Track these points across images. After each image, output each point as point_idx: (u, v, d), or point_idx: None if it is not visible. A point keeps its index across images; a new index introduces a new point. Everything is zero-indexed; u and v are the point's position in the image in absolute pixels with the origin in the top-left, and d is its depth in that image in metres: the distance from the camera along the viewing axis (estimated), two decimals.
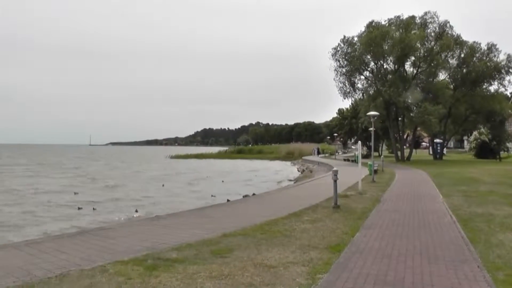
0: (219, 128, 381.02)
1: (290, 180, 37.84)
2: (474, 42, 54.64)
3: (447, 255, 7.62)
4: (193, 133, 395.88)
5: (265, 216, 11.56)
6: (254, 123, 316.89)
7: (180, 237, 8.94)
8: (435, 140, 62.76)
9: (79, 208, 20.38)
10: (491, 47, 54.16)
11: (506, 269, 6.77)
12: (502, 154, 62.00)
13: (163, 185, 32.54)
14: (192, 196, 26.37)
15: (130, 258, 7.20)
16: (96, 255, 7.54)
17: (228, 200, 20.10)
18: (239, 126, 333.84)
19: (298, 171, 53.09)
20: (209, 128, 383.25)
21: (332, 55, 52.33)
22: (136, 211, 19.27)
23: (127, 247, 8.12)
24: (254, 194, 23.23)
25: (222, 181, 37.38)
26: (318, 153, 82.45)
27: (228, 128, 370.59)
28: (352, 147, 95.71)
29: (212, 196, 25.25)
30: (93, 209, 20.43)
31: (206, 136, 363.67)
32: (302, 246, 8.16)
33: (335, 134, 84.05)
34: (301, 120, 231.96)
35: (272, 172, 50.97)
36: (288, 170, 57.27)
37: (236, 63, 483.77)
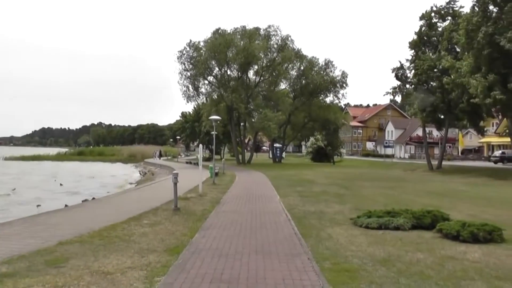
0: (59, 127, 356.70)
1: (131, 183, 36.99)
2: (313, 56, 60.10)
3: (281, 250, 8.12)
4: (31, 132, 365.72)
5: (104, 221, 11.19)
6: (96, 123, 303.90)
7: (11, 249, 8.11)
8: (274, 145, 66.13)
9: None
10: (328, 63, 59.68)
11: (332, 258, 7.51)
12: (336, 158, 67.71)
13: None
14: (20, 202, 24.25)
15: None
16: None
17: (66, 206, 19.02)
18: (80, 126, 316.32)
19: (140, 174, 52.19)
20: (48, 127, 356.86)
21: (178, 58, 52.63)
22: None
23: None
24: (93, 198, 22.28)
25: (61, 185, 35.28)
26: (160, 155, 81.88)
27: (68, 128, 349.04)
28: (195, 150, 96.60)
29: (37, 206, 21.15)
30: None
31: (44, 136, 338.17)
32: (141, 250, 8.06)
33: (178, 137, 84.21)
34: (144, 121, 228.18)
35: (113, 175, 49.24)
36: (129, 173, 55.93)
37: (80, 60, 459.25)
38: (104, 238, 9.09)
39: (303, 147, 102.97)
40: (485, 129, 47.26)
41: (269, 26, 54.74)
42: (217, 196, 17.83)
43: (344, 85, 59.49)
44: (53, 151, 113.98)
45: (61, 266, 6.92)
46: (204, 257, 7.48)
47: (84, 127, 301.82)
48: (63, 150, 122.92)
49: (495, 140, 64.78)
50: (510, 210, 14.48)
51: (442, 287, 6.04)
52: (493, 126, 64.05)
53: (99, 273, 6.50)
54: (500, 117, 42.83)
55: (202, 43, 52.57)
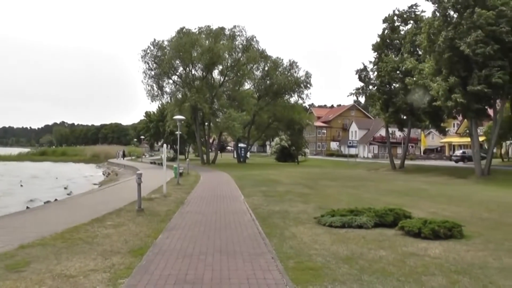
0: (20, 126, 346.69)
1: (95, 184, 36.43)
2: (277, 57, 60.45)
3: (245, 250, 8.18)
4: None
5: (67, 223, 11.01)
6: (59, 122, 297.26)
7: None
8: (239, 145, 66.27)
9: None
10: (292, 64, 60.25)
11: (296, 257, 7.63)
12: (300, 158, 68.27)
13: None
14: None
15: None
16: None
17: (27, 207, 18.62)
18: (43, 126, 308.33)
19: (104, 174, 51.50)
20: (9, 127, 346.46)
21: (142, 57, 52.19)
22: None
23: None
24: (56, 199, 21.87)
25: (21, 186, 34.47)
26: (124, 156, 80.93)
27: (30, 127, 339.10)
28: (159, 150, 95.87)
29: None
30: None
31: (5, 136, 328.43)
32: (104, 252, 7.99)
33: (142, 137, 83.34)
34: (108, 121, 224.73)
35: (76, 176, 48.45)
36: (93, 173, 55.06)
37: (42, 58, 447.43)
38: (67, 240, 8.95)
39: (268, 147, 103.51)
40: (447, 129, 48.56)
41: (234, 27, 54.86)
42: (181, 197, 17.78)
43: (308, 85, 60.19)
44: (14, 151, 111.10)
45: (22, 270, 6.77)
46: (168, 258, 7.48)
47: (47, 126, 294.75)
48: (25, 150, 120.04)
49: (456, 140, 66.55)
50: (470, 207, 14.96)
51: (403, 283, 6.20)
52: (454, 126, 65.84)
53: (62, 277, 6.41)
54: (460, 118, 44.02)
55: (166, 42, 52.27)
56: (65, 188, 32.96)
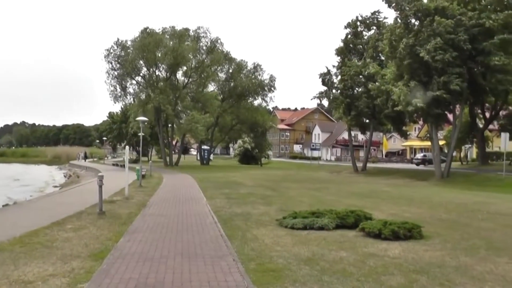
0: None
1: (56, 186, 35.75)
2: (242, 60, 60.83)
3: (206, 252, 8.17)
4: None
5: (26, 226, 10.73)
6: (19, 122, 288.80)
7: None
8: (202, 147, 66.02)
9: None
10: (257, 66, 60.68)
11: (257, 259, 7.67)
12: (263, 160, 68.55)
13: None
14: None
15: None
16: None
17: None
18: (2, 126, 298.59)
19: (65, 176, 50.66)
20: None
21: (105, 57, 51.54)
22: None
23: None
24: (15, 203, 21.30)
25: None
26: (85, 157, 79.52)
27: None
28: (122, 151, 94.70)
29: None
30: None
31: None
32: (64, 256, 7.83)
33: (105, 138, 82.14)
34: (70, 121, 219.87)
35: (36, 178, 47.34)
36: (54, 175, 53.95)
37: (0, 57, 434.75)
38: (26, 245, 8.73)
39: (231, 149, 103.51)
40: (408, 133, 49.75)
41: (199, 28, 54.85)
42: (143, 199, 17.62)
43: (272, 88, 60.74)
44: None
45: None
46: (129, 262, 7.41)
47: (6, 126, 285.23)
48: None
49: (417, 143, 68.06)
50: (430, 209, 15.34)
51: (363, 283, 6.32)
52: (415, 130, 67.41)
53: (19, 283, 6.26)
54: (421, 122, 45.17)
55: (130, 42, 51.78)
56: (25, 190, 32.14)
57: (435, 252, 8.38)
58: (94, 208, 13.62)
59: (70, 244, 8.89)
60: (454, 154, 40.99)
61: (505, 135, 32.08)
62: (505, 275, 6.89)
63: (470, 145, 50.87)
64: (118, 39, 51.62)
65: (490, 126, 45.08)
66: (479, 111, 42.52)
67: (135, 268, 7.00)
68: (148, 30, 51.81)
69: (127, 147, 22.60)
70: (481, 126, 42.82)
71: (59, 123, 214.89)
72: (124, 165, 25.95)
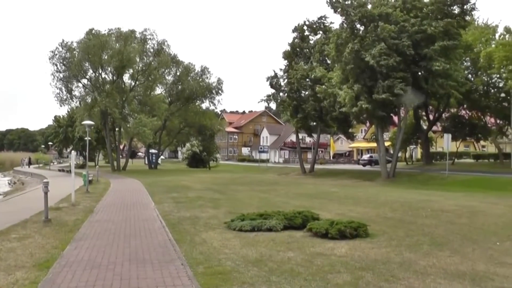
0: None
1: None
2: (189, 63, 60.75)
3: (154, 257, 8.16)
4: None
5: None
6: None
7: None
8: (150, 151, 65.31)
9: None
10: (204, 69, 60.75)
11: (205, 263, 7.72)
12: (212, 163, 68.40)
13: None
14: None
15: None
16: None
17: None
18: None
19: (9, 183, 48.89)
20: None
21: (50, 59, 50.16)
22: None
23: None
24: None
25: None
26: (30, 163, 76.90)
27: None
28: (68, 156, 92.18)
29: None
30: None
31: None
32: (8, 267, 7.58)
33: (51, 143, 79.70)
34: (14, 126, 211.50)
35: None
36: None
37: None
38: None
39: (179, 152, 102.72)
40: (355, 135, 50.99)
41: (145, 30, 54.50)
42: (90, 205, 17.30)
43: (220, 91, 60.93)
44: None
45: None
46: (75, 270, 7.30)
47: None
48: None
49: (363, 145, 69.86)
50: (376, 208, 15.83)
51: (310, 282, 6.49)
52: (362, 132, 69.15)
53: None
54: (368, 124, 46.44)
55: (75, 44, 50.55)
56: None
57: (380, 250, 8.72)
58: (40, 216, 13.25)
59: (14, 254, 8.62)
60: (400, 154, 42.39)
61: (447, 136, 33.54)
62: (446, 268, 7.31)
63: (414, 146, 52.77)
64: (63, 41, 50.37)
65: (434, 128, 47.06)
66: (423, 113, 44.23)
67: (81, 276, 6.90)
68: (93, 31, 50.71)
69: (73, 152, 22.10)
70: (425, 127, 44.58)
71: (2, 128, 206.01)
72: (70, 171, 25.34)
